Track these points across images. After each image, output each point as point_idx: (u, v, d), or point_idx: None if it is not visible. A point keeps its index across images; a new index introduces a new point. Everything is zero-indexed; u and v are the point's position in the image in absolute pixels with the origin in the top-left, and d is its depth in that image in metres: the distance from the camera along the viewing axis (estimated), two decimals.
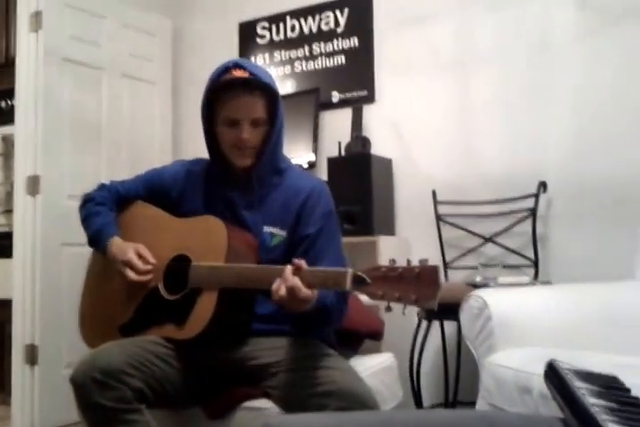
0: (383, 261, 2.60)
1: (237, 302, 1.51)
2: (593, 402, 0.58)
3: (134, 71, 3.42)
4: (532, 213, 2.59)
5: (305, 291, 1.28)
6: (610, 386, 0.66)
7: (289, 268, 1.31)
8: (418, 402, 2.52)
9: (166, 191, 1.72)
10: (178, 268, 1.56)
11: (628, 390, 0.65)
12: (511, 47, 2.81)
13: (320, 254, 1.52)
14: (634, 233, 2.22)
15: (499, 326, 1.84)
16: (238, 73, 1.58)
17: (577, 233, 2.58)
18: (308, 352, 1.50)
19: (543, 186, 2.61)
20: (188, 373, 1.52)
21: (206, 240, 1.53)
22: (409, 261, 1.24)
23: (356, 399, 1.34)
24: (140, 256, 1.59)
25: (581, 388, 0.63)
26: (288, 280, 1.29)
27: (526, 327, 1.88)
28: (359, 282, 1.24)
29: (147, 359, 1.46)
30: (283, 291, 1.29)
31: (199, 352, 1.52)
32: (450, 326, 2.63)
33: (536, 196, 2.59)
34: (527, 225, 2.60)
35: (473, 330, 1.90)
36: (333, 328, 1.62)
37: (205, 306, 1.47)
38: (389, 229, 2.91)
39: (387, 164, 2.99)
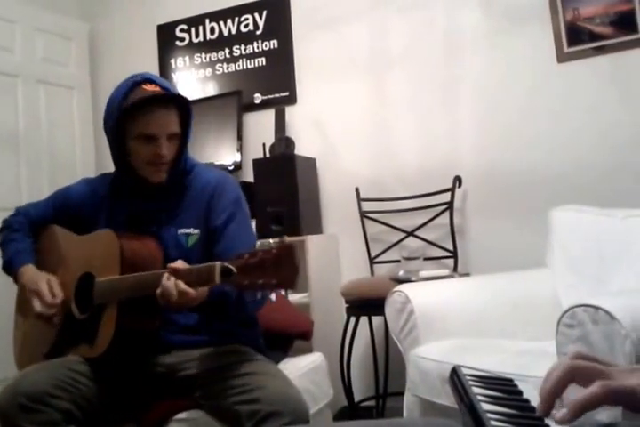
0: (312, 260, 2.71)
1: (139, 313, 1.49)
2: (488, 409, 0.63)
3: (50, 77, 3.36)
4: (449, 206, 2.72)
5: (176, 293, 1.30)
6: (505, 390, 0.72)
7: (165, 273, 1.33)
8: (349, 397, 2.61)
9: (75, 212, 1.70)
10: (86, 286, 1.55)
11: (521, 393, 0.73)
12: (422, 47, 2.93)
13: (232, 241, 1.55)
14: (543, 221, 2.38)
15: (421, 320, 1.96)
16: (150, 88, 1.54)
17: (491, 224, 2.74)
18: (235, 360, 1.51)
19: (458, 180, 2.75)
20: (115, 389, 1.51)
21: (104, 254, 1.52)
22: (270, 244, 1.26)
23: (285, 403, 1.35)
24: (51, 288, 1.56)
25: (479, 394, 0.68)
26: (162, 285, 1.31)
27: (447, 319, 2.00)
28: (227, 273, 1.22)
29: (72, 379, 1.44)
30: (158, 294, 1.32)
31: (121, 368, 1.52)
32: (378, 320, 2.74)
33: (452, 190, 2.73)
34: (445, 218, 2.73)
35: (397, 324, 2.00)
36: (249, 314, 1.62)
37: (109, 321, 1.46)
38: (317, 228, 3.00)
39: (311, 163, 3.06)
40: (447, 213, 2.72)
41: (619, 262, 2.02)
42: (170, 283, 1.31)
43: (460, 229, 2.78)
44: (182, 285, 1.31)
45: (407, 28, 2.97)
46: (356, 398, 2.70)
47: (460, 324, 1.99)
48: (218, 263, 1.25)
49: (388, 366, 2.70)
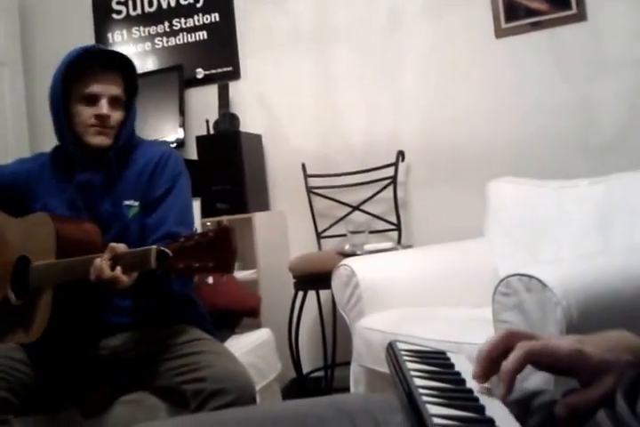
0: (259, 237, 2.73)
1: (76, 296, 1.48)
2: (420, 384, 0.65)
3: None
4: (393, 180, 2.77)
5: (108, 277, 1.30)
6: (438, 364, 0.74)
7: (100, 257, 1.33)
8: (298, 370, 2.67)
9: (11, 191, 1.67)
10: (23, 270, 1.53)
11: (452, 366, 0.73)
12: (365, 22, 2.93)
13: (166, 213, 1.56)
14: (482, 193, 2.45)
15: (366, 292, 2.01)
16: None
17: (433, 197, 2.80)
18: (181, 339, 1.52)
19: (401, 155, 2.79)
20: (56, 375, 1.50)
21: (39, 238, 1.51)
22: (208, 227, 1.26)
23: (231, 381, 1.37)
24: None
25: (412, 369, 0.69)
26: (95, 269, 1.32)
27: (391, 291, 2.06)
28: (163, 257, 1.22)
29: (9, 367, 1.42)
30: (92, 278, 1.32)
31: (61, 352, 1.51)
32: (326, 294, 2.79)
33: (395, 164, 2.77)
34: (389, 192, 2.78)
35: (343, 297, 2.05)
36: (177, 293, 1.60)
37: (44, 305, 1.45)
38: (263, 205, 3.00)
39: (256, 140, 3.05)
40: (391, 187, 2.77)
41: (552, 232, 2.10)
42: (103, 264, 1.31)
43: (403, 203, 2.84)
44: (117, 271, 1.31)
45: (350, 2, 2.96)
46: (306, 369, 2.76)
47: (404, 294, 2.06)
48: (154, 247, 1.25)
49: (336, 338, 2.76)
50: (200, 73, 3.26)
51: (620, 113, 2.48)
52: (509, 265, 1.93)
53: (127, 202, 1.61)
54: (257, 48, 3.16)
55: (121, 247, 1.35)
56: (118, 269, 1.31)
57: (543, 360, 0.65)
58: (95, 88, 1.56)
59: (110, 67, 1.59)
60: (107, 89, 1.57)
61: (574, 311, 1.33)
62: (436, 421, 0.55)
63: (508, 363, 0.64)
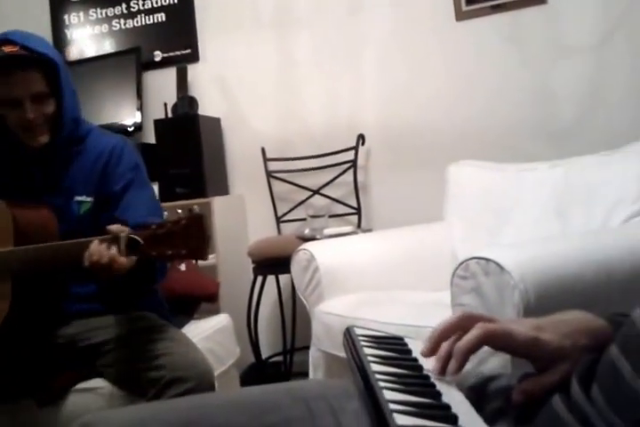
0: (218, 221, 2.70)
1: (35, 285, 1.45)
2: (377, 369, 0.64)
3: None
4: (353, 164, 2.76)
5: (107, 260, 1.23)
6: (395, 349, 0.73)
7: (97, 239, 1.27)
8: (257, 355, 2.66)
9: None
10: None
11: (410, 352, 0.73)
12: (327, 6, 2.90)
13: (129, 208, 1.51)
14: (442, 177, 2.46)
15: (326, 276, 2.00)
16: (8, 49, 1.46)
17: (393, 181, 2.80)
18: (138, 327, 1.51)
19: (362, 139, 2.79)
20: (11, 364, 1.47)
21: None
22: (179, 214, 1.25)
23: (189, 368, 1.35)
24: None
25: (370, 355, 0.69)
26: (91, 252, 1.25)
27: (351, 275, 2.06)
28: (134, 245, 1.20)
29: None
30: (104, 260, 1.24)
31: (17, 342, 1.48)
32: (285, 278, 2.78)
33: (355, 148, 2.77)
34: (350, 176, 2.78)
35: (303, 281, 2.04)
36: (161, 280, 1.58)
37: (2, 294, 1.40)
38: (223, 189, 2.97)
39: (215, 123, 3.01)
40: (351, 171, 2.77)
41: (510, 215, 2.12)
42: (101, 248, 1.25)
43: (363, 187, 2.84)
44: (115, 253, 1.24)
45: None
46: (265, 354, 2.76)
47: (364, 279, 2.06)
48: (123, 234, 1.22)
49: (295, 322, 2.76)
50: (158, 55, 3.20)
51: (580, 97, 2.50)
52: (468, 248, 1.94)
53: (79, 198, 1.55)
54: (216, 31, 3.10)
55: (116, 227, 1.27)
56: (114, 249, 1.25)
57: (499, 344, 0.65)
58: (14, 92, 1.46)
59: (26, 62, 1.47)
60: (26, 89, 1.47)
61: (531, 295, 1.34)
62: (393, 407, 0.55)
63: (463, 341, 0.64)
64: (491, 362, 1.23)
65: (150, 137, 2.95)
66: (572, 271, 1.43)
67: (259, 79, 3.03)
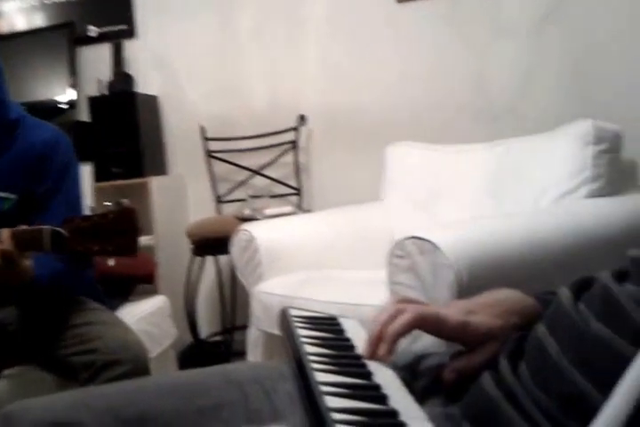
0: (156, 202, 2.65)
1: None
2: (310, 351, 0.65)
3: None
4: (294, 145, 2.75)
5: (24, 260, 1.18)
6: (329, 330, 0.74)
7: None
8: (195, 335, 2.65)
9: None
10: None
11: (343, 332, 0.74)
12: None
13: (55, 209, 1.43)
14: (381, 157, 2.47)
15: (266, 257, 2.00)
16: None
17: (335, 161, 2.80)
18: (69, 310, 1.46)
19: (303, 119, 2.77)
20: None
21: None
22: (107, 207, 1.21)
23: (123, 352, 1.33)
24: None
25: (304, 336, 0.69)
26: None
27: (291, 255, 2.06)
28: (58, 238, 1.15)
29: None
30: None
31: None
32: (226, 259, 2.76)
33: (297, 129, 2.75)
34: (291, 156, 2.76)
35: (242, 262, 2.04)
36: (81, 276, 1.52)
37: None
38: (160, 169, 2.92)
39: (153, 101, 2.94)
40: (292, 152, 2.75)
41: (446, 195, 2.16)
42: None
43: (304, 167, 2.83)
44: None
45: None
46: (205, 334, 2.75)
47: (304, 259, 2.06)
48: (47, 226, 1.16)
49: (236, 303, 2.76)
50: (93, 31, 3.08)
51: (515, 80, 2.54)
52: (405, 228, 1.96)
53: (1, 194, 1.44)
54: (154, 6, 3.00)
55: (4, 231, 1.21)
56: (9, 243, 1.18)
57: (430, 328, 0.66)
58: None
59: None
60: None
61: (465, 273, 1.37)
62: (324, 389, 0.55)
63: (394, 325, 0.64)
64: (424, 339, 1.26)
65: (85, 115, 2.86)
66: (503, 250, 1.47)
67: (198, 57, 2.97)
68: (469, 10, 2.60)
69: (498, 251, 1.47)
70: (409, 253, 1.47)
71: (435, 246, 1.41)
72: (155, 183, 2.68)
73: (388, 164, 2.43)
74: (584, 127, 1.93)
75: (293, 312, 0.80)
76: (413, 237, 1.46)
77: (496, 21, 2.56)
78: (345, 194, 2.67)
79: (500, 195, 2.03)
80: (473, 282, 1.38)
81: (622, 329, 0.51)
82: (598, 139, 1.90)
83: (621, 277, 0.56)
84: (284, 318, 0.77)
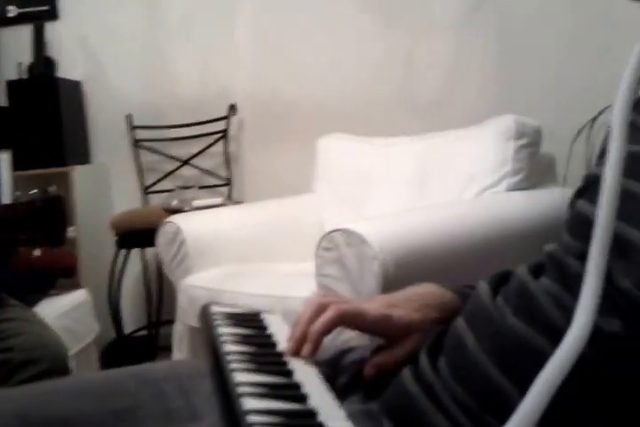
0: (79, 192, 2.56)
1: None
2: (229, 350, 0.63)
3: None
4: (224, 134, 2.71)
5: None
6: (252, 326, 0.72)
7: None
8: (119, 331, 2.59)
9: None
10: None
11: (265, 328, 0.72)
12: None
13: None
14: (313, 149, 2.46)
15: (193, 249, 1.97)
16: None
17: (266, 152, 2.78)
18: None
19: (234, 108, 2.73)
20: None
21: None
22: (32, 195, 1.18)
23: (41, 350, 1.30)
24: None
25: (225, 334, 0.67)
26: None
27: (219, 247, 2.03)
28: None
29: None
30: None
31: None
32: (152, 252, 2.70)
33: (227, 118, 2.71)
34: (221, 147, 2.72)
35: (169, 255, 2.00)
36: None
37: None
38: (84, 158, 2.82)
39: (76, 87, 2.84)
40: (223, 142, 2.71)
41: (375, 187, 2.18)
42: None
43: (235, 158, 2.80)
44: None
45: None
46: (130, 329, 2.69)
47: (232, 251, 2.04)
48: None
49: (163, 297, 2.70)
50: (12, 11, 2.94)
51: (442, 73, 2.58)
52: (335, 220, 1.97)
53: None
54: None
55: None
56: None
57: (352, 323, 0.66)
58: None
59: None
60: None
61: (390, 264, 1.39)
62: (242, 390, 0.54)
63: (317, 324, 0.64)
64: (348, 333, 1.26)
65: (2, 100, 2.73)
66: (429, 242, 1.50)
67: (125, 41, 2.87)
68: (398, 2, 2.62)
69: (423, 242, 1.50)
70: (336, 246, 1.48)
71: (361, 238, 1.42)
72: (77, 173, 2.59)
73: (320, 155, 2.42)
74: (506, 122, 1.98)
75: (215, 309, 0.78)
76: (341, 230, 1.47)
77: (425, 15, 2.59)
78: (277, 185, 2.65)
79: (426, 187, 2.06)
80: (399, 273, 1.40)
81: (537, 324, 0.51)
82: (519, 134, 1.95)
83: (538, 271, 0.57)
84: (205, 315, 0.75)
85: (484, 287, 0.61)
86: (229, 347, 0.65)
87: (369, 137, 2.38)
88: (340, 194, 2.28)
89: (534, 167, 1.98)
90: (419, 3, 2.59)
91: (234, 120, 2.74)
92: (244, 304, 1.63)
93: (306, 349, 0.63)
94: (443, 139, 2.15)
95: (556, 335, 0.44)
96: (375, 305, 0.67)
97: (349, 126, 2.53)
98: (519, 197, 1.90)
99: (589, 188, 0.55)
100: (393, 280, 1.38)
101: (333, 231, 1.48)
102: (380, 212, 2.01)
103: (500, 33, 2.47)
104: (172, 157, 2.77)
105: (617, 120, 0.44)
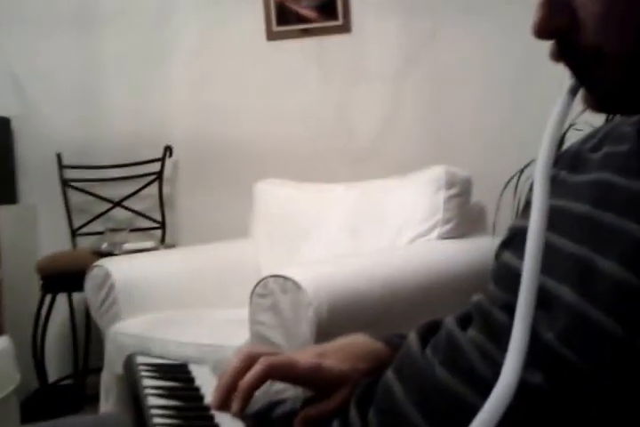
0: (4, 233, 2.46)
1: None
2: (154, 403, 0.61)
3: None
4: (159, 176, 2.68)
5: None
6: (178, 378, 0.71)
7: None
8: (42, 379, 2.48)
9: None
10: None
11: (193, 380, 0.71)
12: (135, 7, 2.78)
13: None
14: (250, 193, 2.46)
15: (123, 294, 1.91)
16: None
17: (202, 196, 2.75)
18: None
19: (169, 150, 2.71)
20: None
21: None
22: None
23: None
24: None
25: (149, 387, 0.65)
26: None
27: (150, 292, 1.98)
28: None
29: None
30: None
31: None
32: (79, 296, 2.60)
33: (162, 159, 2.69)
34: (155, 188, 2.69)
35: (97, 300, 1.93)
36: None
37: None
38: (10, 197, 2.73)
39: (4, 124, 2.76)
40: (157, 184, 2.68)
41: (310, 233, 2.18)
42: None
43: (169, 200, 2.76)
44: None
45: None
46: (55, 377, 2.58)
47: (165, 297, 1.99)
48: None
49: (90, 343, 2.60)
50: None
51: (376, 123, 2.64)
52: (271, 266, 1.96)
53: None
54: (8, 19, 2.84)
55: None
56: None
57: (283, 375, 0.65)
58: None
59: None
60: None
61: (324, 311, 1.38)
62: None
63: (246, 378, 0.62)
64: (278, 385, 1.24)
65: None
66: (361, 288, 1.51)
67: (58, 78, 2.83)
68: (335, 52, 2.69)
69: (356, 288, 1.50)
70: (271, 292, 1.47)
71: (295, 284, 1.42)
72: (2, 213, 2.50)
73: (256, 200, 2.42)
74: (437, 172, 2.03)
75: (140, 359, 0.75)
76: (276, 276, 1.46)
77: (360, 65, 2.67)
78: (212, 229, 2.62)
79: (359, 234, 2.08)
80: (333, 319, 1.39)
81: (463, 375, 0.52)
82: (450, 184, 2.00)
83: (465, 321, 0.58)
84: (129, 366, 0.72)
85: (413, 338, 0.62)
86: (154, 400, 0.62)
87: (304, 183, 2.40)
88: (275, 239, 2.27)
89: (465, 216, 2.03)
90: (355, 53, 2.67)
91: (169, 162, 2.72)
92: (175, 353, 1.60)
93: (235, 405, 0.61)
94: (376, 187, 2.18)
95: (481, 386, 0.44)
96: (305, 356, 0.66)
97: (286, 171, 2.54)
98: (450, 245, 1.94)
99: (514, 239, 0.57)
100: (327, 327, 1.37)
101: (268, 277, 1.47)
102: (314, 257, 2.01)
103: (434, 85, 2.56)
104: (103, 199, 2.71)
105: (539, 176, 0.45)
